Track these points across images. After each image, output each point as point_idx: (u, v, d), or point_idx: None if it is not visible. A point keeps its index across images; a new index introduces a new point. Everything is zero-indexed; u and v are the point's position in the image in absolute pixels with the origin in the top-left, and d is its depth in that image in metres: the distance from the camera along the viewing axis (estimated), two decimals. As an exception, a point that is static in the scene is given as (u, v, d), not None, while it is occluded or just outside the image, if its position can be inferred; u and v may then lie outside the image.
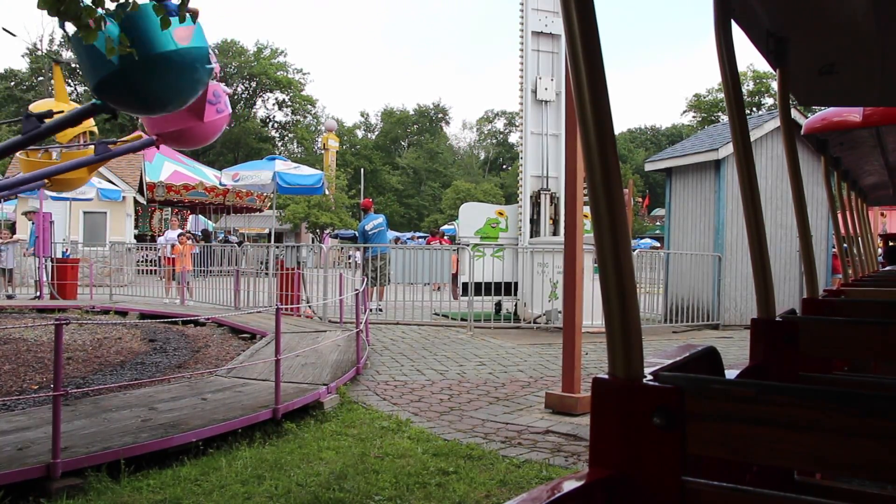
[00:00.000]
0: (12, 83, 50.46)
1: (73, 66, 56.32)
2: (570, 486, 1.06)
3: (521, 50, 11.63)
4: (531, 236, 11.58)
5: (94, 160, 6.27)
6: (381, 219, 13.17)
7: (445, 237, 21.56)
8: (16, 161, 22.73)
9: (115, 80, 4.59)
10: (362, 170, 33.91)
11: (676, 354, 1.45)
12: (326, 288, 11.80)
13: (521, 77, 11.67)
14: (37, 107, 6.51)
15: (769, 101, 50.18)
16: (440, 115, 70.94)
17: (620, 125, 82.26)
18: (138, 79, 4.58)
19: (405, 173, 64.19)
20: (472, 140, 77.80)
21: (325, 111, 65.06)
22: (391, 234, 41.41)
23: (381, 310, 12.08)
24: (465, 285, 11.19)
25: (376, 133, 70.40)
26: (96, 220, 20.93)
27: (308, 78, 76.35)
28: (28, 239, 16.90)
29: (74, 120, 5.50)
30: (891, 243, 14.93)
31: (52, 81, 7.35)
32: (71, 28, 4.15)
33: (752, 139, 3.63)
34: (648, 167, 14.42)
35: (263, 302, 12.45)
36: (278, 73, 58.70)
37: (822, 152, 4.78)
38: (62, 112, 5.70)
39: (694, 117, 57.40)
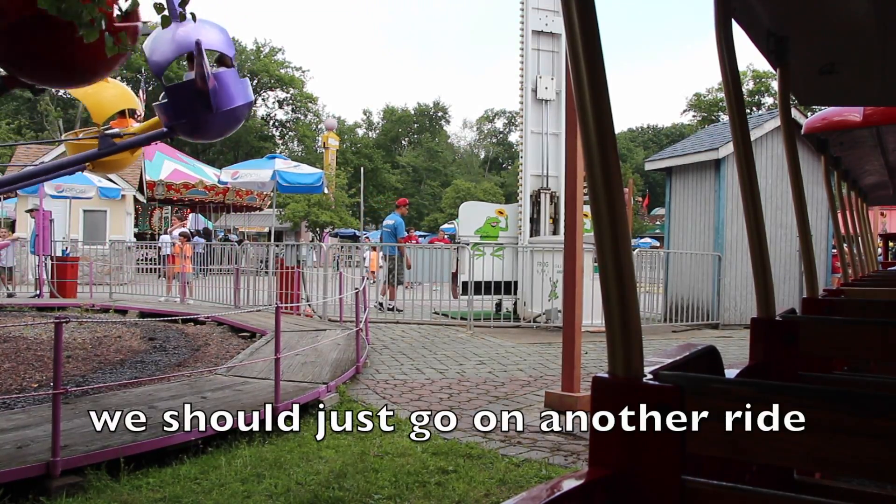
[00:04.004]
0: (12, 81, 50.36)
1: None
2: (569, 484, 1.06)
3: (522, 49, 11.61)
4: (531, 235, 11.58)
5: (98, 154, 6.02)
6: (392, 220, 13.22)
7: (445, 235, 21.60)
8: (17, 156, 22.72)
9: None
10: (362, 168, 33.85)
11: (676, 354, 1.46)
12: (326, 287, 11.80)
13: (522, 76, 11.66)
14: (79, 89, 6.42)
15: (769, 100, 50.15)
16: (440, 114, 70.90)
17: (621, 124, 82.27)
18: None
19: (405, 172, 64.14)
20: (473, 139, 77.82)
21: (326, 109, 65.04)
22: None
23: (390, 308, 12.08)
24: (465, 284, 11.19)
25: (377, 132, 70.35)
26: (96, 218, 20.91)
27: (308, 76, 76.34)
28: (28, 237, 16.91)
29: (144, 142, 5.74)
30: (891, 243, 14.93)
31: None
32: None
33: (752, 139, 3.62)
34: (648, 166, 14.42)
35: (263, 301, 12.45)
36: (279, 71, 58.59)
37: (822, 152, 4.78)
38: (133, 134, 6.03)
39: (694, 116, 57.38)
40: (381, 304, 12.31)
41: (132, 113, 6.98)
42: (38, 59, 4.09)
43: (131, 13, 4.18)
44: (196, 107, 5.49)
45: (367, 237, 32.09)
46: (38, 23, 3.57)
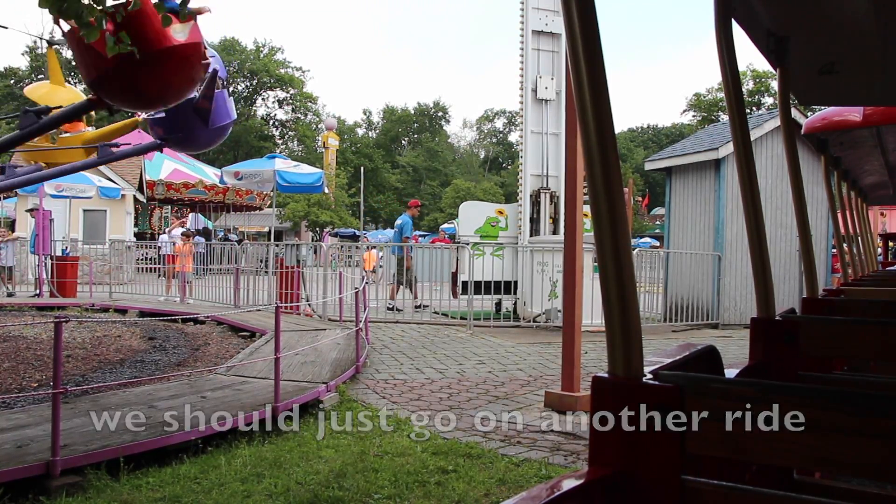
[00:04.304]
0: (12, 81, 50.41)
1: (73, 63, 56.30)
2: (569, 484, 1.06)
3: (522, 49, 11.61)
4: (531, 235, 11.58)
5: (98, 163, 6.30)
6: (400, 220, 13.30)
7: (445, 235, 21.61)
8: (15, 156, 22.72)
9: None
10: (362, 168, 33.86)
11: (676, 353, 1.46)
12: (326, 286, 11.81)
13: (522, 76, 11.66)
14: (32, 90, 6.63)
15: (769, 100, 50.13)
16: (440, 114, 70.89)
17: (621, 124, 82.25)
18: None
19: (405, 172, 64.15)
20: (473, 139, 77.80)
21: (326, 109, 64.99)
22: (390, 232, 41.36)
23: (389, 308, 12.09)
24: (464, 284, 11.19)
25: (377, 131, 70.34)
26: (96, 217, 20.91)
27: (308, 76, 76.31)
28: (28, 236, 16.91)
29: (72, 115, 5.58)
30: (891, 243, 14.94)
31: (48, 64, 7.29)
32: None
33: (752, 139, 3.62)
34: (648, 166, 14.42)
35: (263, 300, 12.45)
36: (279, 71, 58.58)
37: (822, 152, 4.78)
38: (60, 107, 5.75)
39: (694, 116, 57.34)
40: (419, 304, 12.32)
41: (87, 118, 7.31)
42: (127, 90, 4.81)
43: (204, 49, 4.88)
44: (192, 123, 5.96)
45: (365, 236, 32.33)
46: (128, 65, 4.39)
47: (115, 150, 6.21)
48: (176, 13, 4.56)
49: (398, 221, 13.41)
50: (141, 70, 4.54)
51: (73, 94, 7.42)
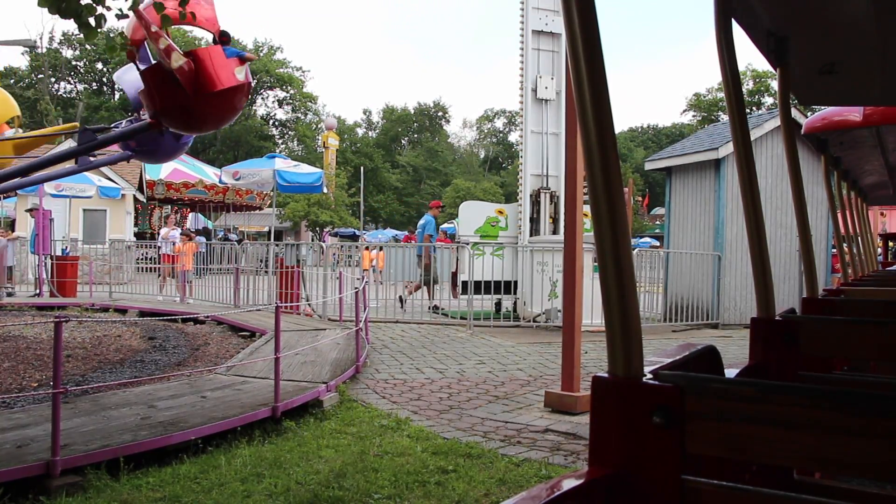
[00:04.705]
0: (12, 80, 50.41)
1: (73, 63, 56.24)
2: (569, 484, 1.06)
3: (522, 49, 11.61)
4: (531, 235, 11.58)
5: (76, 170, 6.56)
6: (423, 220, 13.41)
7: (446, 235, 21.60)
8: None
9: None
10: (362, 168, 33.79)
11: (676, 353, 1.45)
12: (326, 286, 11.81)
13: (522, 76, 11.66)
14: None
15: (769, 100, 50.12)
16: (440, 114, 70.88)
17: (621, 124, 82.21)
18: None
19: (405, 171, 64.15)
20: (472, 139, 77.80)
21: (326, 109, 64.97)
22: (389, 232, 41.27)
23: (400, 298, 12.16)
24: (464, 284, 11.19)
25: (377, 131, 70.34)
26: (96, 217, 20.91)
27: (308, 76, 76.29)
28: (28, 236, 16.91)
29: (129, 135, 6.13)
30: (891, 243, 14.94)
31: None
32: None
33: (752, 139, 3.63)
34: (648, 166, 14.41)
35: (263, 300, 12.45)
36: (279, 70, 58.57)
37: (822, 152, 4.78)
38: (112, 127, 6.62)
39: (694, 116, 57.35)
40: (431, 306, 12.39)
41: (13, 120, 7.93)
42: (190, 118, 5.54)
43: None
44: (161, 137, 6.33)
45: (363, 236, 32.46)
46: (201, 100, 5.28)
47: (92, 159, 6.56)
48: (238, 57, 5.51)
49: (421, 221, 13.59)
50: (208, 104, 5.37)
51: (3, 95, 7.77)
